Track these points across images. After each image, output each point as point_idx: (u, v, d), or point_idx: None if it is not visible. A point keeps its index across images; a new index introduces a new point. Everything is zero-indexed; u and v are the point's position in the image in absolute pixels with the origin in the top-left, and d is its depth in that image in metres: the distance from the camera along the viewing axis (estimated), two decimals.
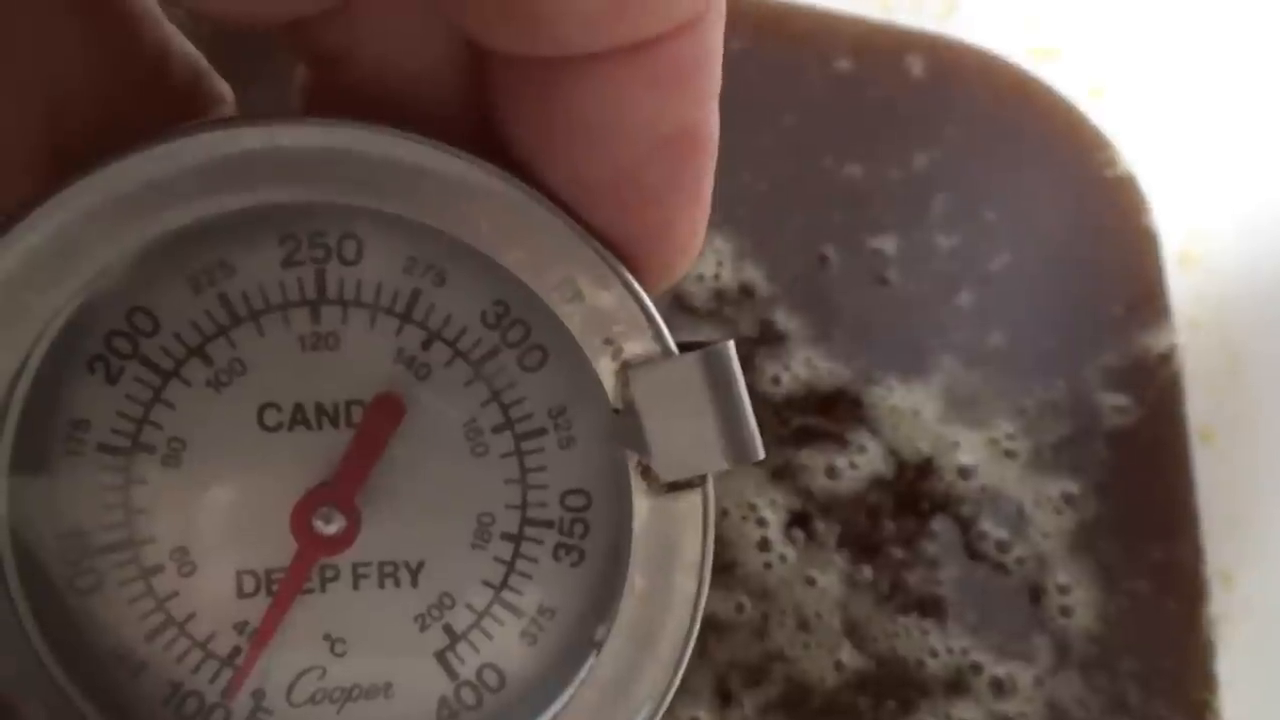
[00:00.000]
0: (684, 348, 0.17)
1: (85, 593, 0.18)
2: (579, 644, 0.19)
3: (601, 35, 0.14)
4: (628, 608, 0.18)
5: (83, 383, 0.18)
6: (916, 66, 0.49)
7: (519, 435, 0.19)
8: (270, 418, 0.18)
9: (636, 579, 0.18)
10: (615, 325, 0.17)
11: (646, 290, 0.17)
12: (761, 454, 0.17)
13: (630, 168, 0.16)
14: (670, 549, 0.17)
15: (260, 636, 0.18)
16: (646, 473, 0.17)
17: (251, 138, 0.16)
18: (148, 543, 0.18)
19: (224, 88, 0.18)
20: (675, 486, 0.17)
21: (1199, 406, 0.46)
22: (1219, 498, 0.45)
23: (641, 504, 0.17)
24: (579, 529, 0.19)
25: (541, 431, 0.19)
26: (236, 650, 0.19)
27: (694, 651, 0.18)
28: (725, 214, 0.46)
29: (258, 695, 0.19)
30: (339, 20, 0.16)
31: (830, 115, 0.48)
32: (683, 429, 0.17)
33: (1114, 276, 0.48)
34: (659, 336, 0.17)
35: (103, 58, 0.16)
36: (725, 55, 0.16)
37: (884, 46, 0.49)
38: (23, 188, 0.16)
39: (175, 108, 0.17)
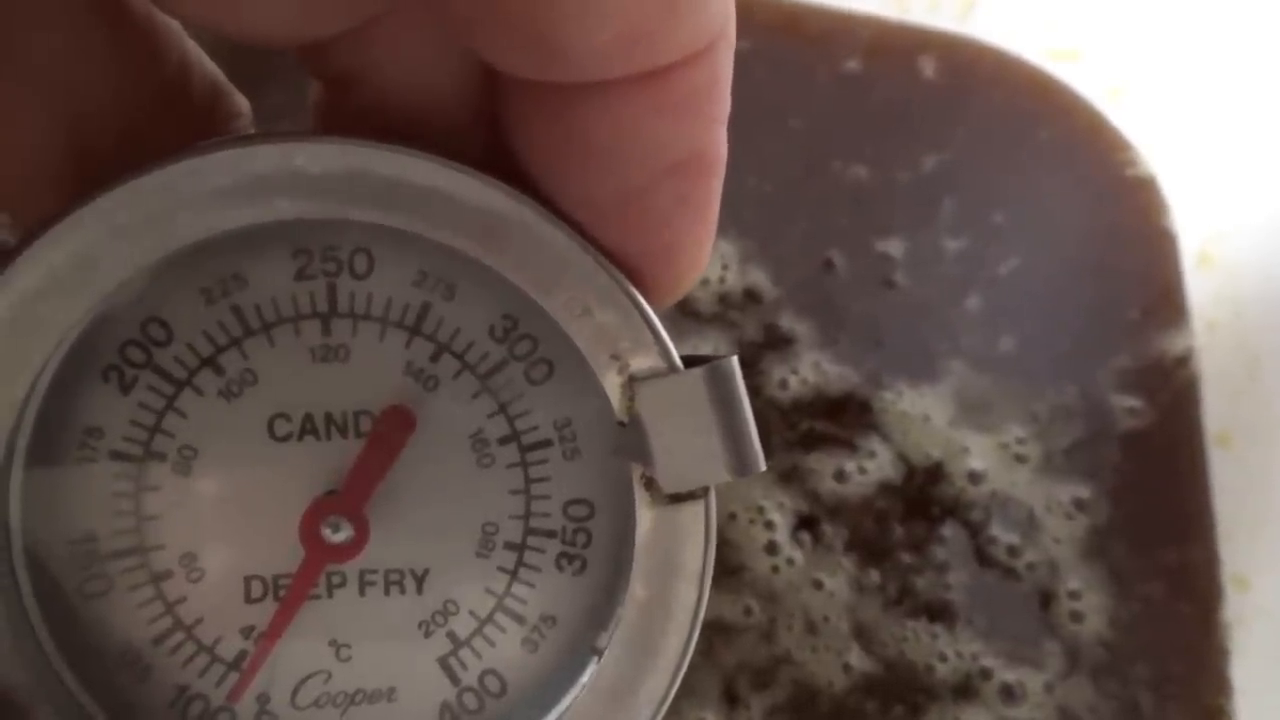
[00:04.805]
0: (688, 362, 0.17)
1: (94, 597, 0.19)
2: (580, 651, 0.19)
3: (615, 64, 0.14)
4: (629, 616, 0.18)
5: (97, 391, 0.18)
6: (929, 67, 0.49)
7: (524, 447, 0.19)
8: (280, 427, 0.18)
9: (638, 588, 0.18)
10: (622, 341, 0.17)
11: (652, 306, 0.17)
12: (763, 467, 0.17)
13: (639, 190, 0.16)
14: (672, 559, 0.18)
15: (266, 641, 0.19)
16: (650, 484, 0.18)
17: (268, 155, 0.16)
18: (157, 548, 0.19)
19: (243, 103, 0.19)
20: (678, 498, 0.18)
21: (1215, 410, 0.46)
22: (1234, 502, 0.45)
23: (644, 514, 0.18)
24: (582, 538, 0.19)
25: (547, 443, 0.19)
26: (243, 654, 0.19)
27: (701, 654, 0.18)
28: (731, 217, 0.46)
29: (262, 699, 0.19)
30: (354, 42, 0.16)
31: (838, 117, 0.48)
32: (686, 442, 0.17)
33: (1131, 279, 0.48)
34: (664, 352, 0.17)
35: (125, 74, 0.17)
36: (734, 55, 0.16)
37: (899, 47, 0.49)
38: (45, 202, 0.16)
39: (195, 123, 0.18)
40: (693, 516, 0.18)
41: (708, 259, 0.18)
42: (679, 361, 0.17)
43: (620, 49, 0.14)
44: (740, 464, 0.17)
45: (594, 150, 0.16)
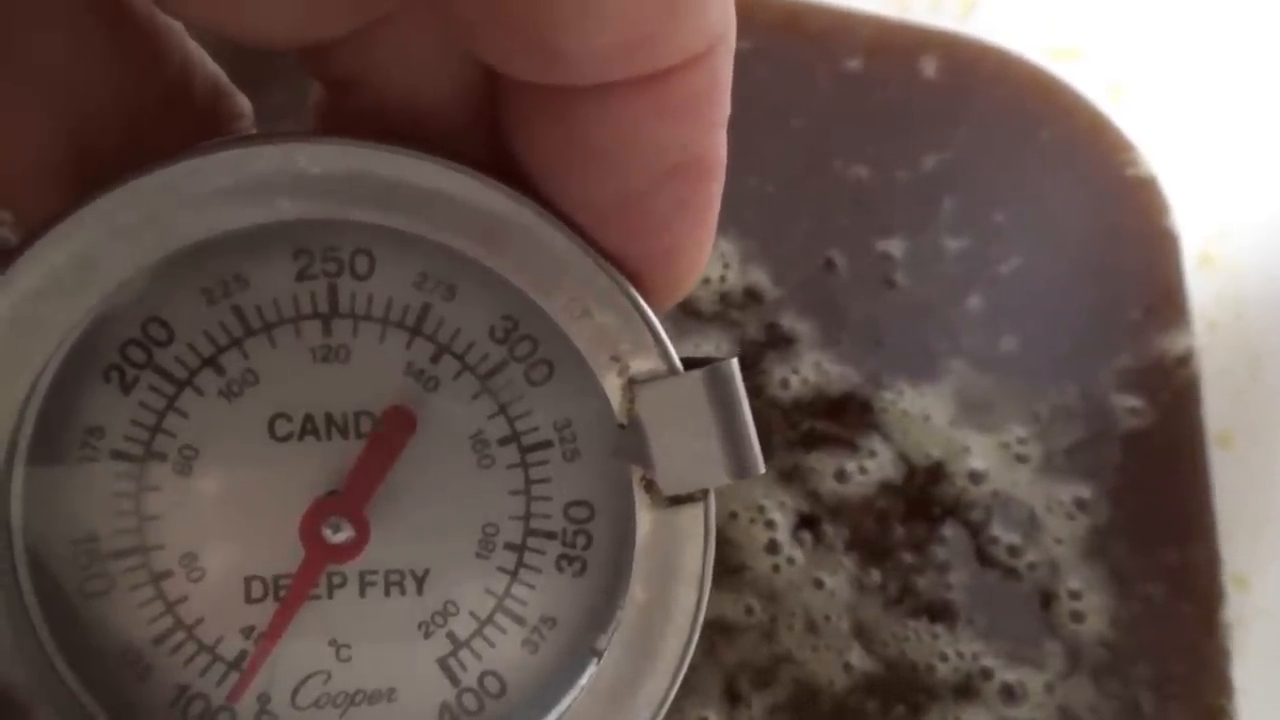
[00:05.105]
0: (688, 364, 0.17)
1: (95, 596, 0.19)
2: (580, 653, 0.19)
3: (615, 67, 0.14)
4: (629, 618, 0.18)
5: (98, 391, 0.18)
6: (929, 67, 0.49)
7: (525, 448, 0.19)
8: (281, 428, 0.18)
9: (638, 590, 0.18)
10: (622, 343, 0.17)
11: (653, 308, 0.17)
12: (763, 470, 0.17)
13: (639, 193, 0.16)
14: (671, 561, 0.18)
15: (266, 641, 0.19)
16: (649, 486, 0.18)
17: (269, 156, 0.16)
18: (158, 548, 0.19)
19: (244, 104, 0.19)
20: (677, 500, 0.18)
21: (1217, 410, 0.46)
22: (1235, 502, 0.45)
23: (644, 516, 0.18)
24: (582, 540, 0.19)
25: (547, 444, 0.19)
26: (243, 654, 0.19)
27: (703, 652, 0.18)
28: (731, 216, 0.46)
29: (263, 699, 0.19)
30: (356, 45, 0.16)
31: (839, 116, 0.48)
32: (686, 445, 0.17)
33: (1132, 279, 0.48)
34: (664, 354, 0.17)
35: (127, 74, 0.17)
36: (734, 54, 0.16)
37: (900, 46, 0.49)
38: (47, 202, 0.16)
39: (196, 124, 0.18)
40: (692, 519, 0.18)
41: (707, 262, 0.18)
42: (679, 364, 0.17)
43: (620, 52, 0.14)
44: (740, 467, 0.17)
45: (594, 153, 0.16)
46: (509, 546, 0.19)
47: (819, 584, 0.43)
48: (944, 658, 0.42)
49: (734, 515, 0.43)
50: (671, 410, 0.17)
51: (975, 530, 0.44)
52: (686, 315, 0.45)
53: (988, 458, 0.45)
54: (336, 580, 0.19)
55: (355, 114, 0.17)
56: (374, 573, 0.19)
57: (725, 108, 0.16)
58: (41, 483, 0.18)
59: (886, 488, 0.44)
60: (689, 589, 0.18)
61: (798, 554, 0.43)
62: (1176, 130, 0.48)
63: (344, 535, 0.18)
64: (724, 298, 0.45)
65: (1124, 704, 0.43)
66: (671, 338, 0.17)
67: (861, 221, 0.47)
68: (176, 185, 0.16)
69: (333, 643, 0.19)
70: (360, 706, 0.19)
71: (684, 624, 0.18)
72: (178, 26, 0.17)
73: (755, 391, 0.44)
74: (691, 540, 0.18)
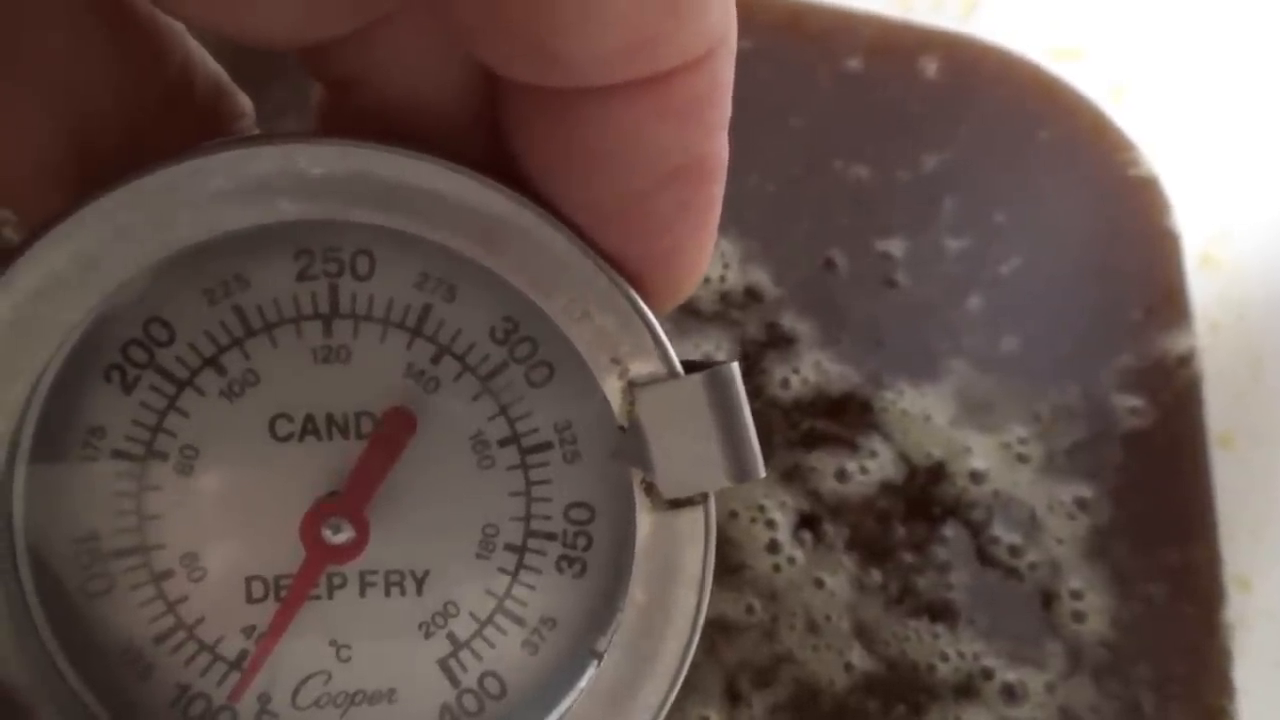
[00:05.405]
0: (689, 367, 0.17)
1: (97, 595, 0.19)
2: (579, 654, 0.19)
3: (616, 69, 0.14)
4: (629, 620, 0.18)
5: (99, 391, 0.18)
6: (930, 67, 0.49)
7: (525, 449, 0.19)
8: (282, 428, 0.19)
9: (638, 592, 0.18)
10: (622, 345, 0.17)
11: (653, 311, 0.17)
12: (763, 473, 0.17)
13: (640, 195, 0.16)
14: (672, 564, 0.18)
15: (267, 641, 0.19)
16: (650, 489, 0.18)
17: (270, 157, 0.16)
18: (159, 548, 0.19)
19: (245, 103, 0.19)
20: (678, 503, 0.18)
21: (1218, 411, 0.46)
22: (1236, 503, 0.45)
23: (644, 519, 0.18)
24: (582, 541, 0.19)
25: (547, 446, 0.19)
26: (244, 654, 0.19)
27: (704, 652, 0.18)
28: (732, 216, 0.46)
29: (263, 698, 0.19)
30: (357, 45, 0.16)
31: (840, 116, 0.48)
32: (686, 448, 0.17)
33: (1134, 279, 0.48)
34: (665, 357, 0.17)
35: (128, 74, 0.17)
36: (735, 54, 0.16)
37: (902, 46, 0.49)
38: (49, 201, 0.16)
39: (197, 124, 0.18)
40: (692, 522, 0.18)
41: (708, 265, 0.18)
42: (679, 367, 0.17)
43: (621, 55, 0.14)
44: (740, 470, 0.17)
45: (595, 155, 0.16)
46: (509, 547, 0.19)
47: (819, 584, 0.43)
48: (945, 658, 0.42)
49: (734, 514, 0.43)
50: (672, 413, 0.17)
51: (976, 530, 0.44)
52: (687, 315, 0.45)
53: (988, 458, 0.45)
54: (337, 580, 0.19)
55: (356, 114, 0.17)
56: (374, 573, 0.19)
57: (726, 110, 0.16)
58: (43, 482, 0.18)
59: (887, 488, 0.44)
60: (689, 592, 0.18)
61: (798, 554, 0.43)
62: (1178, 130, 0.48)
63: (344, 536, 0.18)
64: (724, 297, 0.45)
65: (1125, 704, 0.43)
66: (672, 337, 0.17)
67: (862, 221, 0.47)
68: (178, 185, 0.16)
69: (333, 643, 0.19)
70: (360, 707, 0.19)
71: (684, 627, 0.18)
72: (179, 26, 0.17)
73: (755, 391, 0.44)
74: (692, 543, 0.18)
